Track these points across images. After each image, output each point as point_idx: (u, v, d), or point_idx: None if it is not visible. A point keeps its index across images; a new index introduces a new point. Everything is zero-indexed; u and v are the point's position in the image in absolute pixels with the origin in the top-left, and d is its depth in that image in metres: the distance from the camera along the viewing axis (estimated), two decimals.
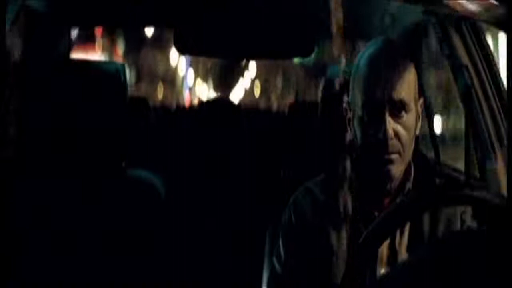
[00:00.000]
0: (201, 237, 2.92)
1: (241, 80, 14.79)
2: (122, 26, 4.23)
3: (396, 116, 1.46)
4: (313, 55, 2.69)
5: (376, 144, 1.46)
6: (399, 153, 1.47)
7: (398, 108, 1.46)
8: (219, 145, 3.21)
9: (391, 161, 1.47)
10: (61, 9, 2.51)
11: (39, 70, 2.24)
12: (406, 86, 1.47)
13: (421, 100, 1.55)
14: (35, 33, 2.35)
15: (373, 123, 1.46)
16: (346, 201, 1.59)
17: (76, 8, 2.60)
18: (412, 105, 1.48)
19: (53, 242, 1.77)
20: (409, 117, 1.48)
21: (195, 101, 11.93)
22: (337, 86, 1.88)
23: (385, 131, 1.44)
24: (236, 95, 14.20)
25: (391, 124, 1.45)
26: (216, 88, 14.38)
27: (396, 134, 1.46)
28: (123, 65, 1.91)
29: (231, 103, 3.57)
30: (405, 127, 1.47)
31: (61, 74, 1.86)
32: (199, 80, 14.41)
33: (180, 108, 6.42)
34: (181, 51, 2.80)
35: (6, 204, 1.75)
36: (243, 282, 2.09)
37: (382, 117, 1.45)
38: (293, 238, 1.61)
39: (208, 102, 3.58)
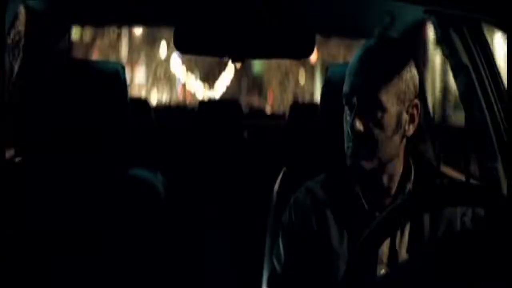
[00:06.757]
0: (202, 237, 2.92)
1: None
2: (122, 25, 4.23)
3: (368, 113, 1.47)
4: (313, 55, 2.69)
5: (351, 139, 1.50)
6: (371, 149, 1.48)
7: (371, 106, 1.47)
8: (219, 144, 3.21)
9: (362, 156, 1.49)
10: (61, 9, 2.52)
11: (39, 70, 2.24)
12: (388, 85, 1.47)
13: (415, 101, 1.53)
14: (35, 33, 2.35)
15: (349, 118, 1.50)
16: (346, 201, 1.59)
17: (76, 8, 2.61)
18: (390, 105, 1.47)
19: (52, 242, 1.78)
20: (386, 117, 1.47)
21: (193, 100, 11.92)
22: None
23: (352, 126, 1.47)
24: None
25: (360, 120, 1.47)
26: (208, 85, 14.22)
27: (368, 130, 1.47)
28: (123, 65, 1.91)
29: (231, 102, 3.57)
30: (379, 126, 1.47)
31: (61, 74, 1.86)
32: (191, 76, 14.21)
33: (180, 107, 6.43)
34: (181, 50, 2.80)
35: (6, 204, 1.75)
36: (243, 281, 2.09)
37: (352, 112, 1.48)
38: (293, 237, 1.61)
39: (207, 101, 3.58)
